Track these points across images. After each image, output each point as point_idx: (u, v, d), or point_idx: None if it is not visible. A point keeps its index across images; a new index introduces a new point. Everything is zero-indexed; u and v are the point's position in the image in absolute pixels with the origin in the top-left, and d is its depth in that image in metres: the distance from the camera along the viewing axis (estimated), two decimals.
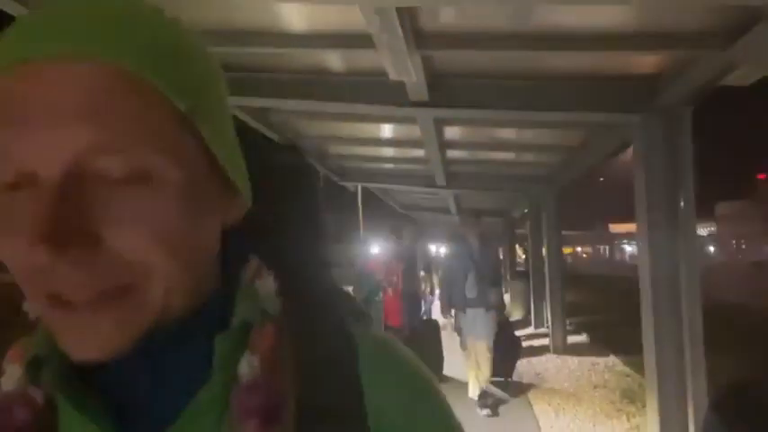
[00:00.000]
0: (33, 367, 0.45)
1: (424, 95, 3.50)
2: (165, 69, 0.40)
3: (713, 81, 2.68)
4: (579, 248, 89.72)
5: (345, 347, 0.50)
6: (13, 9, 2.08)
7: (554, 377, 6.15)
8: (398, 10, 2.05)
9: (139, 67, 0.38)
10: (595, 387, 5.73)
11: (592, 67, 3.29)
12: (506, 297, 9.64)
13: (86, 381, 0.44)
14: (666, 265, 3.47)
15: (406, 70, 2.69)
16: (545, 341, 7.78)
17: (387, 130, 5.42)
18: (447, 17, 2.43)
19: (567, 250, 47.11)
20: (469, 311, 5.09)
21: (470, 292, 5.09)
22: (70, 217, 0.36)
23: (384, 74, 2.93)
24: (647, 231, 3.51)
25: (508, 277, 12.26)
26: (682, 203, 3.45)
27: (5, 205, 0.38)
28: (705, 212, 71.76)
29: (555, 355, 7.24)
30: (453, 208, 10.73)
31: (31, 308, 0.47)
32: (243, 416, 0.43)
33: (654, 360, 3.50)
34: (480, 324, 5.09)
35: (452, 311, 5.34)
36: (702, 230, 74.31)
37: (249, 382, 0.44)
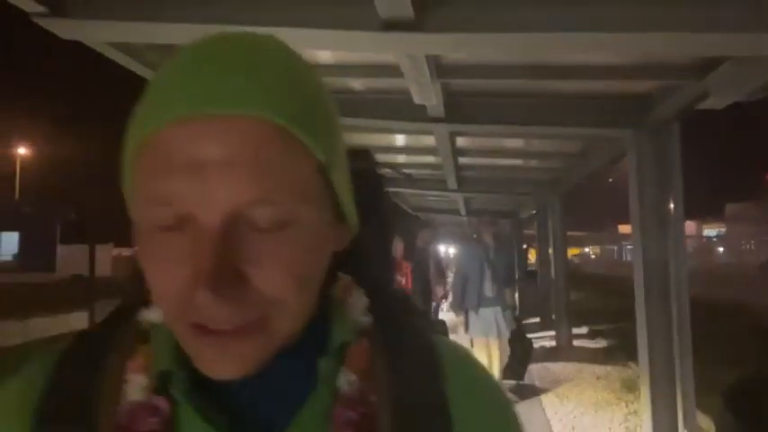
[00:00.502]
0: (159, 379, 0.48)
1: (441, 113, 3.93)
2: (312, 126, 0.44)
3: (692, 105, 3.11)
4: (587, 249, 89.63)
5: (430, 357, 0.53)
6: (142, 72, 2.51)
7: (559, 369, 6.57)
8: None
9: (293, 125, 0.42)
10: (598, 378, 6.16)
11: (590, 88, 3.72)
12: (516, 296, 9.93)
13: (208, 395, 0.47)
14: (657, 262, 3.89)
15: (429, 96, 3.14)
16: (551, 334, 8.20)
17: (401, 139, 5.84)
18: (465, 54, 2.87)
19: (574, 251, 47.17)
20: (485, 311, 5.18)
21: (488, 291, 5.22)
22: (228, 261, 0.40)
23: (404, 92, 3.37)
24: (640, 233, 3.93)
25: (517, 277, 12.63)
26: (672, 208, 3.87)
27: (166, 244, 0.42)
28: (715, 213, 71.61)
29: (560, 349, 7.69)
30: (463, 210, 11.13)
31: (152, 315, 0.52)
32: (342, 428, 0.46)
33: (646, 349, 3.92)
34: (500, 323, 5.21)
35: (464, 311, 5.38)
36: (712, 231, 74.01)
37: (347, 396, 0.48)
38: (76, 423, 0.47)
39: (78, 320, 10.01)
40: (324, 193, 0.46)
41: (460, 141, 5.53)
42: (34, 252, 28.64)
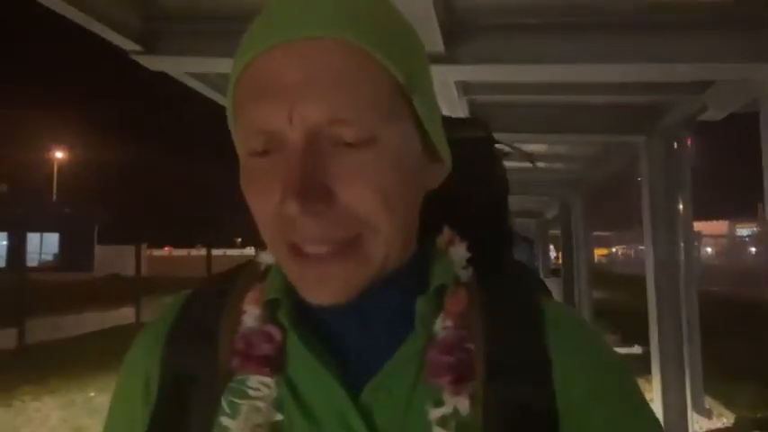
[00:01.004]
0: (269, 308, 0.52)
1: (464, 114, 4.35)
2: (390, 47, 0.46)
3: (693, 116, 3.48)
4: (615, 249, 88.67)
5: (533, 315, 0.52)
6: None
7: None
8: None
9: (371, 45, 0.45)
10: None
11: (605, 100, 4.09)
12: None
13: (310, 324, 0.50)
14: (666, 258, 4.24)
15: (456, 111, 3.55)
16: None
17: None
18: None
19: (602, 251, 46.85)
20: None
21: None
22: (313, 175, 0.43)
23: None
24: (651, 232, 4.28)
25: (542, 275, 12.91)
26: (680, 208, 4.22)
27: (259, 169, 0.46)
28: (749, 213, 70.17)
29: None
30: None
31: (267, 257, 0.56)
32: (437, 372, 0.48)
33: (657, 335, 4.27)
34: None
35: None
36: (744, 231, 72.55)
37: (443, 341, 0.49)
38: (201, 346, 0.52)
39: (127, 315, 10.70)
40: (407, 118, 0.48)
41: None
42: (73, 252, 29.70)
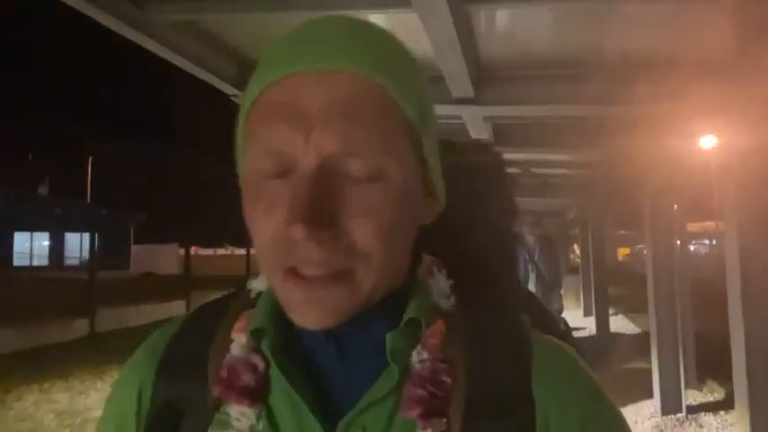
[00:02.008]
0: (255, 337, 0.52)
1: (488, 136, 5.09)
2: (404, 85, 0.49)
3: None
4: (640, 247, 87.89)
5: (520, 349, 0.51)
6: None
7: (594, 349, 7.62)
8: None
9: (387, 83, 0.47)
10: (628, 354, 7.22)
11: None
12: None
13: (293, 355, 0.51)
14: (663, 256, 4.94)
15: (482, 133, 4.33)
16: (591, 323, 9.24)
17: None
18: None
19: (624, 250, 46.87)
20: None
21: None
22: (321, 202, 0.44)
23: (457, 117, 4.51)
24: (651, 233, 4.99)
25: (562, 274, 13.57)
26: (674, 212, 4.92)
27: (266, 191, 0.47)
28: None
29: (599, 336, 8.79)
30: None
31: (257, 284, 0.57)
32: (408, 406, 0.48)
33: (655, 321, 4.98)
34: None
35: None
36: None
37: (417, 373, 0.49)
38: (191, 374, 0.52)
39: (179, 307, 11.74)
40: (413, 158, 0.49)
41: (507, 155, 6.65)
42: (111, 251, 30.96)
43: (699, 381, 5.31)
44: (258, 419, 0.49)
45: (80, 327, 9.26)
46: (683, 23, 2.61)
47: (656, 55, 2.95)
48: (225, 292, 0.61)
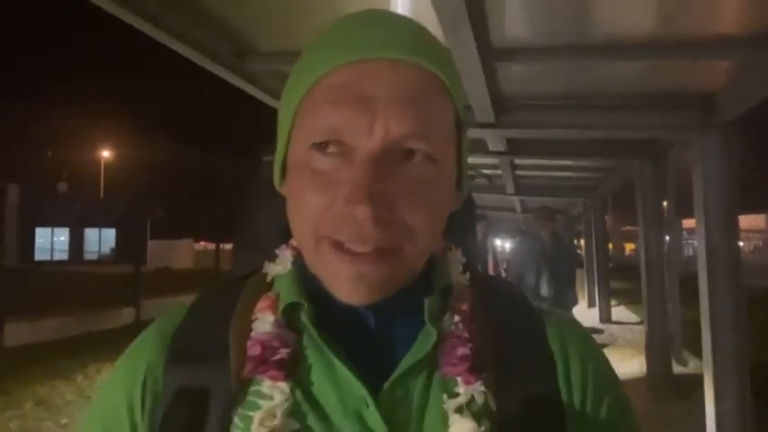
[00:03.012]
0: (285, 315, 0.53)
1: (504, 148, 5.84)
2: (456, 81, 0.52)
3: (666, 149, 4.95)
4: None
5: (534, 318, 0.58)
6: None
7: (598, 336, 8.40)
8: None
9: (444, 76, 0.50)
10: (627, 339, 7.98)
11: (609, 135, 5.56)
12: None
13: (328, 327, 0.52)
14: (655, 249, 5.69)
15: (497, 146, 5.09)
16: (595, 314, 10.06)
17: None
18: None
19: (631, 246, 47.49)
20: None
21: (544, 291, 4.86)
22: (384, 184, 0.46)
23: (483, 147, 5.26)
24: (643, 229, 5.74)
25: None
26: (665, 209, 5.68)
27: (320, 166, 0.48)
28: None
29: (601, 323, 9.61)
30: (519, 208, 12.87)
31: (273, 268, 0.58)
32: (451, 363, 0.51)
33: (646, 307, 5.74)
34: None
35: None
36: None
37: (454, 334, 0.53)
38: (209, 358, 0.51)
39: None
40: (454, 144, 0.53)
41: (518, 160, 7.38)
42: (128, 247, 31.81)
43: (683, 359, 6.08)
44: (293, 392, 0.50)
45: (127, 315, 10.19)
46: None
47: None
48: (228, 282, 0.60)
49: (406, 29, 0.51)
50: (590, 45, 2.93)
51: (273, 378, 0.50)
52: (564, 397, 0.53)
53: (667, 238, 5.94)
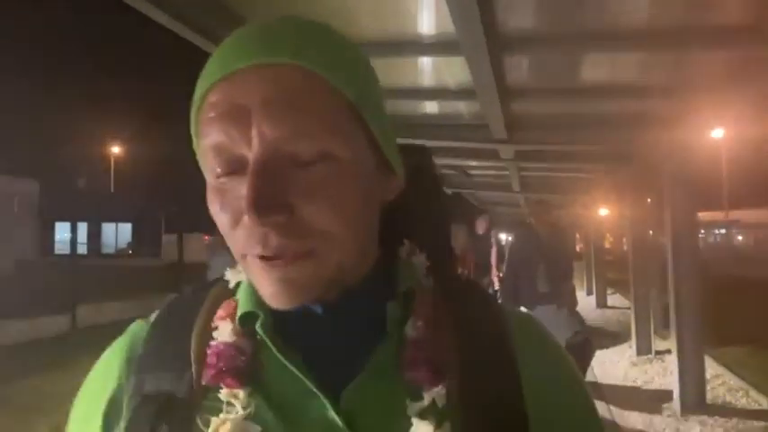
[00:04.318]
0: (242, 322, 0.54)
1: (512, 155, 6.81)
2: (340, 70, 0.50)
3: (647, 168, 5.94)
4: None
5: (498, 321, 0.57)
6: (202, 44, 2.66)
7: (594, 318, 9.46)
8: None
9: (322, 69, 0.48)
10: (618, 321, 9.05)
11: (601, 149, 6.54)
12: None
13: (284, 335, 0.52)
14: (642, 243, 6.68)
15: (508, 155, 6.09)
16: (592, 300, 11.13)
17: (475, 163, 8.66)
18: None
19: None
20: (540, 309, 4.45)
21: (542, 286, 4.68)
22: (271, 189, 0.45)
23: (479, 117, 6.21)
24: (631, 228, 6.73)
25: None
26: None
27: (222, 189, 0.49)
28: None
29: (598, 308, 10.78)
30: (523, 202, 13.82)
31: (235, 275, 0.59)
32: (414, 367, 0.51)
33: (633, 292, 6.75)
34: (551, 324, 4.61)
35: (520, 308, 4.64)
36: None
37: (417, 339, 0.52)
38: (174, 365, 0.53)
39: None
40: (361, 135, 0.51)
41: (524, 164, 8.33)
42: (144, 241, 32.82)
43: (662, 335, 7.11)
44: (250, 401, 0.50)
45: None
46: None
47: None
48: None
49: (279, 30, 0.51)
50: (588, 89, 3.94)
51: (230, 386, 0.50)
52: (527, 398, 0.52)
53: (651, 232, 6.95)
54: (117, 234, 33.45)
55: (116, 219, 32.54)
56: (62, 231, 32.14)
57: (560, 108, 4.60)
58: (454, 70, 3.68)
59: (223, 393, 0.51)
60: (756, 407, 4.78)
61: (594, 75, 3.74)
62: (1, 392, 5.66)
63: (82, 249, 31.64)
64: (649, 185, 6.55)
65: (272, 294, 0.49)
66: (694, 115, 4.23)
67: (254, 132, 0.46)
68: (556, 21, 3.02)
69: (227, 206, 0.49)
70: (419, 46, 3.31)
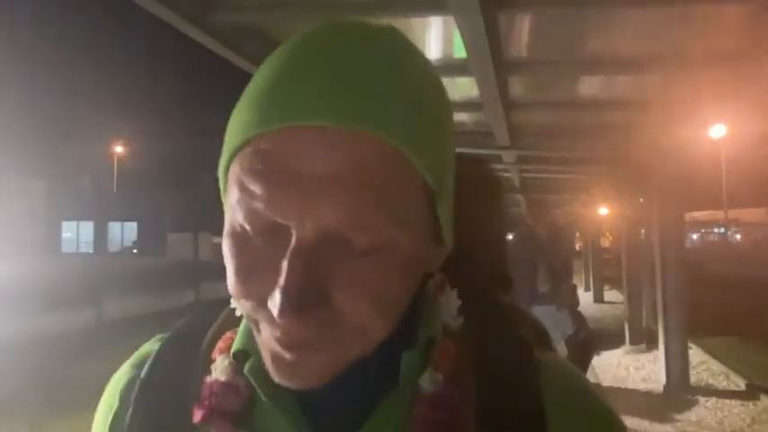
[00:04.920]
0: (238, 360, 0.49)
1: (514, 159, 7.30)
2: (424, 148, 0.41)
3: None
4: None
5: (529, 370, 0.49)
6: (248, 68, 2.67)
7: (590, 312, 9.95)
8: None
9: (407, 147, 0.39)
10: (614, 315, 9.56)
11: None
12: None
13: None
14: (634, 241, 7.16)
15: (510, 159, 6.57)
16: (589, 296, 11.67)
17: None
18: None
19: None
20: (539, 309, 4.38)
21: (541, 286, 4.71)
22: (316, 281, 0.38)
23: (483, 125, 6.70)
24: (626, 228, 7.22)
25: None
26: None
27: (251, 249, 0.40)
28: None
29: (594, 303, 11.36)
30: (524, 203, 14.33)
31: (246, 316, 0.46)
32: (424, 428, 0.45)
33: (626, 284, 7.24)
34: (551, 324, 4.43)
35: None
36: None
37: (431, 395, 0.46)
38: (174, 399, 0.49)
39: None
40: (426, 219, 0.43)
41: (524, 167, 8.83)
42: (150, 239, 33.23)
43: (655, 327, 7.63)
44: None
45: (190, 295, 12.12)
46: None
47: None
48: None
49: (362, 78, 0.40)
50: (580, 103, 4.44)
51: (220, 429, 0.47)
52: None
53: (643, 231, 7.44)
54: (123, 233, 33.88)
55: (121, 217, 32.91)
56: (68, 230, 32.59)
57: (557, 118, 5.09)
58: (463, 87, 4.19)
59: None
60: (735, 388, 5.31)
61: (587, 91, 4.24)
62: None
63: (87, 248, 32.20)
64: (641, 187, 7.03)
65: (283, 377, 0.42)
66: (679, 124, 4.70)
67: (310, 211, 0.38)
68: (551, 48, 3.51)
69: (253, 268, 0.41)
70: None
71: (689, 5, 2.52)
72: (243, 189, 0.40)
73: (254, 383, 0.47)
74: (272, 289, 0.39)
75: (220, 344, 0.52)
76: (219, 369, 0.49)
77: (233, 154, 0.42)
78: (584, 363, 4.41)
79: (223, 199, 0.44)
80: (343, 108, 0.38)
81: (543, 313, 4.22)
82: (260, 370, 0.45)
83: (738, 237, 50.94)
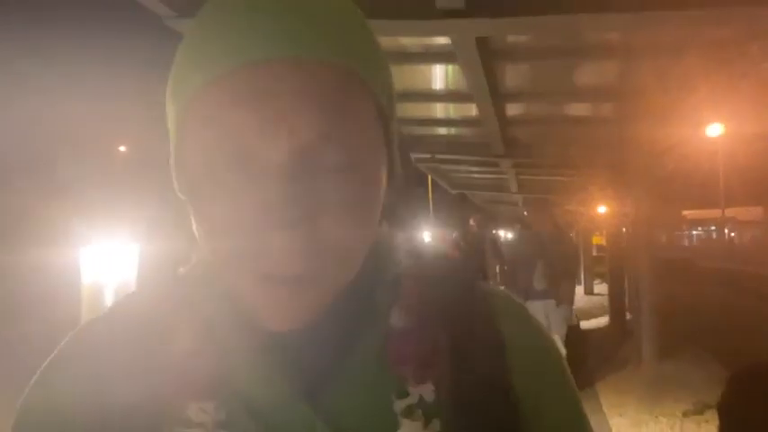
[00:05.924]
0: (207, 328, 0.48)
1: (510, 165, 8.03)
2: (375, 71, 0.45)
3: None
4: None
5: (481, 301, 0.54)
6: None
7: (582, 304, 10.84)
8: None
9: (359, 68, 0.43)
10: (602, 305, 10.43)
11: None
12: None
13: (253, 337, 0.47)
14: (615, 240, 7.97)
15: (506, 166, 7.34)
16: (580, 289, 12.60)
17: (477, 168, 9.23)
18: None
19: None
20: (536, 304, 4.58)
21: (539, 283, 4.78)
22: (299, 201, 0.39)
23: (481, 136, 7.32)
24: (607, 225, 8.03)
25: None
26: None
27: (227, 185, 0.41)
28: None
29: (585, 295, 12.39)
30: (521, 203, 14.98)
31: (234, 287, 0.45)
32: (400, 361, 0.47)
33: (609, 283, 8.08)
34: (551, 319, 4.74)
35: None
36: None
37: (404, 330, 0.49)
38: (138, 377, 0.47)
39: None
40: (381, 142, 0.46)
41: (520, 165, 9.52)
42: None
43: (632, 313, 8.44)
44: (221, 411, 0.46)
45: None
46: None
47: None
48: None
49: (315, 10, 0.43)
50: (566, 120, 5.23)
51: (197, 398, 0.46)
52: (516, 388, 0.50)
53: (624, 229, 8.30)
54: None
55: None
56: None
57: (547, 131, 5.87)
58: (463, 107, 4.97)
59: (191, 408, 0.46)
60: (697, 358, 6.13)
61: (573, 112, 5.04)
62: None
63: None
64: (625, 189, 7.80)
65: (274, 320, 0.43)
66: (674, 124, 4.79)
67: (284, 125, 0.39)
68: (542, 80, 4.31)
69: (233, 210, 0.41)
70: (436, 95, 4.70)
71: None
72: (207, 125, 0.41)
73: (232, 343, 0.47)
74: (260, 217, 0.40)
75: (184, 316, 0.49)
76: (187, 340, 0.48)
77: (188, 103, 0.43)
78: (583, 351, 4.87)
79: (173, 150, 0.46)
80: (303, 41, 0.41)
81: (540, 308, 4.55)
82: (235, 328, 0.47)
83: (733, 234, 51.68)
